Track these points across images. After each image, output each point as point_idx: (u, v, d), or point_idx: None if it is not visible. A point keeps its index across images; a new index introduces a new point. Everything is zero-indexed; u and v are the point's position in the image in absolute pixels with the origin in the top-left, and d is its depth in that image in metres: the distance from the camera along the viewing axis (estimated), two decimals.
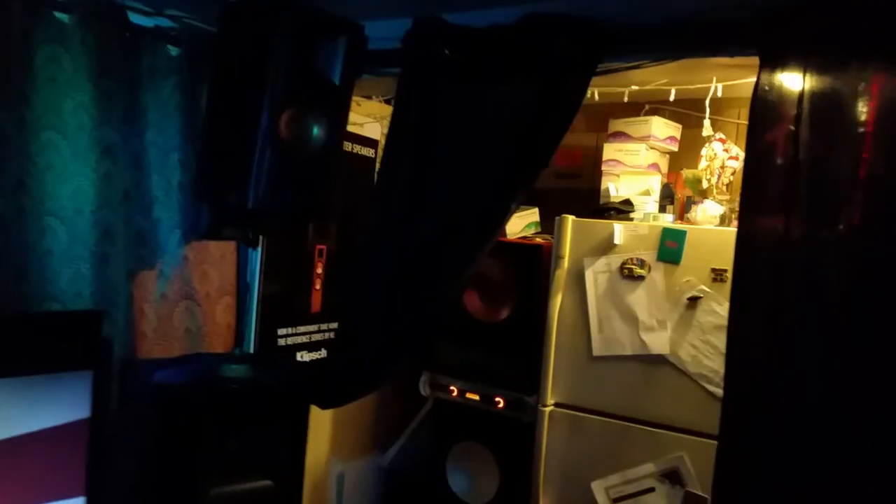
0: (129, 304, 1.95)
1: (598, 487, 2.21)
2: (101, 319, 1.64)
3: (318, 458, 2.79)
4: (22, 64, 1.65)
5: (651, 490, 2.13)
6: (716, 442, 1.92)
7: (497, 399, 2.59)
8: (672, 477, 2.10)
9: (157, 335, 2.05)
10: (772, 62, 1.72)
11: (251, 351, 2.26)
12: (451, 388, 2.70)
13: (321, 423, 2.79)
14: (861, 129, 1.65)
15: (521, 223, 2.71)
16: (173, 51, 2.01)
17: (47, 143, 1.72)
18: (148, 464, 1.79)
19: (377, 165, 2.65)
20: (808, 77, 1.67)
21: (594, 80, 1.91)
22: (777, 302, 1.69)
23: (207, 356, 2.08)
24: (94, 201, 1.84)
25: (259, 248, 2.26)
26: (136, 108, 1.94)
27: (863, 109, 1.66)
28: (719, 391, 2.04)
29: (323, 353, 2.56)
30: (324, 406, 2.06)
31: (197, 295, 2.15)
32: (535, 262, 2.52)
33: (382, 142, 2.68)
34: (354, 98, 2.33)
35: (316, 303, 2.54)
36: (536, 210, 2.75)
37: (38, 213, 1.71)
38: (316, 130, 1.84)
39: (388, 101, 2.76)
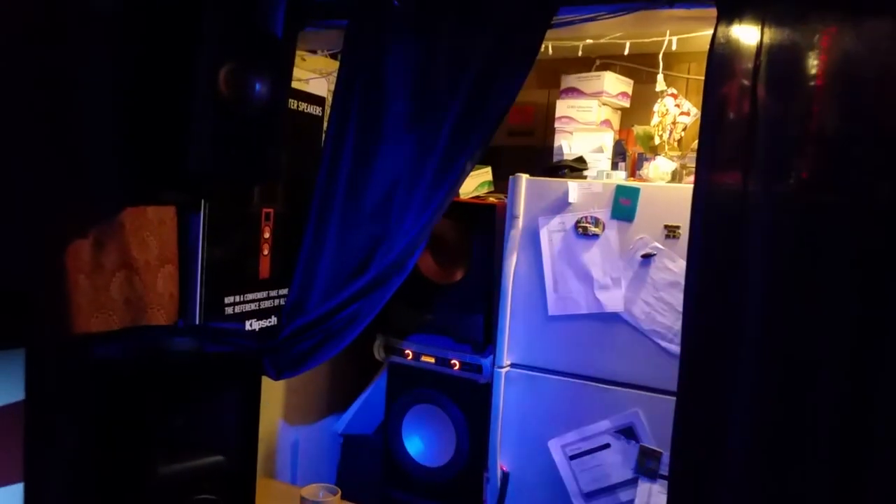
0: (61, 275, 1.83)
1: (554, 445, 2.22)
2: (29, 294, 1.53)
3: (271, 427, 2.74)
4: None
5: (607, 446, 2.15)
6: (670, 397, 1.94)
7: (453, 361, 2.57)
8: (627, 433, 2.12)
9: (93, 307, 1.94)
10: (729, 14, 1.69)
11: (197, 321, 2.17)
12: (406, 351, 2.67)
13: (273, 390, 2.72)
14: (812, 83, 1.64)
15: (473, 182, 2.66)
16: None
17: None
18: (90, 445, 1.70)
19: (324, 124, 2.55)
20: (765, 30, 1.65)
21: (548, 33, 1.85)
22: (732, 257, 1.69)
23: (150, 328, 1.98)
24: None
25: (201, 213, 2.15)
26: None
27: (814, 63, 1.65)
28: (673, 347, 2.06)
29: (273, 320, 2.48)
30: (276, 377, 2.00)
31: (136, 263, 2.04)
32: (488, 221, 2.48)
33: (329, 99, 2.57)
34: (298, 53, 2.22)
35: (264, 268, 2.45)
36: (489, 169, 2.70)
37: None
38: (258, 87, 1.74)
39: (334, 56, 2.64)
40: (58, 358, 1.69)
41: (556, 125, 2.63)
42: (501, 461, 2.30)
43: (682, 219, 1.94)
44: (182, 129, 1.73)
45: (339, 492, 2.21)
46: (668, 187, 2.20)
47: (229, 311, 2.34)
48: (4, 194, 1.66)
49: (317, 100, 2.60)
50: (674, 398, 1.77)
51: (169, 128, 1.72)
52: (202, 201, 2.11)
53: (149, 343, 1.80)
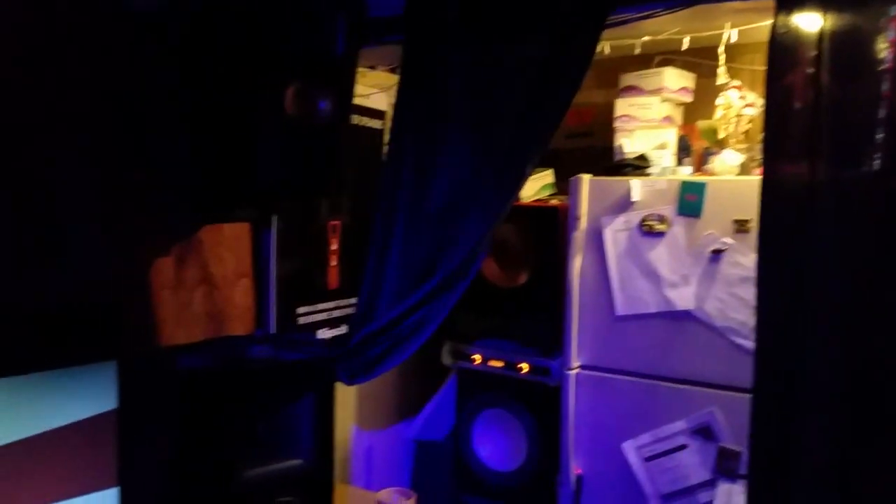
0: (147, 291, 1.94)
1: (629, 447, 2.20)
2: (120, 309, 1.62)
3: (345, 433, 2.80)
4: None
5: (684, 447, 2.11)
6: (747, 395, 1.90)
7: (521, 365, 2.57)
8: (704, 433, 2.09)
9: (177, 321, 2.04)
10: (788, 3, 1.66)
11: (272, 331, 2.25)
12: (474, 356, 2.69)
13: (346, 398, 2.79)
14: (881, 67, 1.60)
15: (535, 186, 2.67)
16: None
17: None
18: (178, 451, 1.78)
19: (385, 137, 2.61)
20: (826, 16, 1.61)
21: (604, 32, 1.85)
22: (804, 249, 1.65)
23: (229, 339, 2.07)
24: None
25: (272, 228, 2.23)
26: None
27: (882, 45, 1.60)
28: (748, 343, 2.01)
29: (344, 328, 2.55)
30: (349, 382, 2.05)
31: (214, 278, 2.14)
32: (551, 224, 2.48)
33: (390, 112, 2.63)
34: (359, 69, 2.28)
35: (333, 279, 2.52)
36: (551, 171, 2.71)
37: None
38: (322, 104, 1.80)
39: (393, 70, 2.70)
40: (147, 368, 1.79)
41: (617, 124, 2.62)
42: (575, 464, 2.30)
43: (752, 212, 1.90)
44: (252, 148, 1.81)
45: (415, 496, 2.25)
46: (736, 181, 2.16)
47: (302, 320, 2.41)
48: (94, 214, 1.77)
49: (377, 114, 2.66)
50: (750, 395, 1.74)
51: (240, 147, 1.80)
52: (272, 216, 2.19)
53: (229, 353, 1.88)
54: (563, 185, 2.47)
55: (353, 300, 2.56)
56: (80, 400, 1.53)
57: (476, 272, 1.95)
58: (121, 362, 1.62)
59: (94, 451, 1.57)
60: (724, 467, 2.04)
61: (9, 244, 1.61)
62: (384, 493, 2.27)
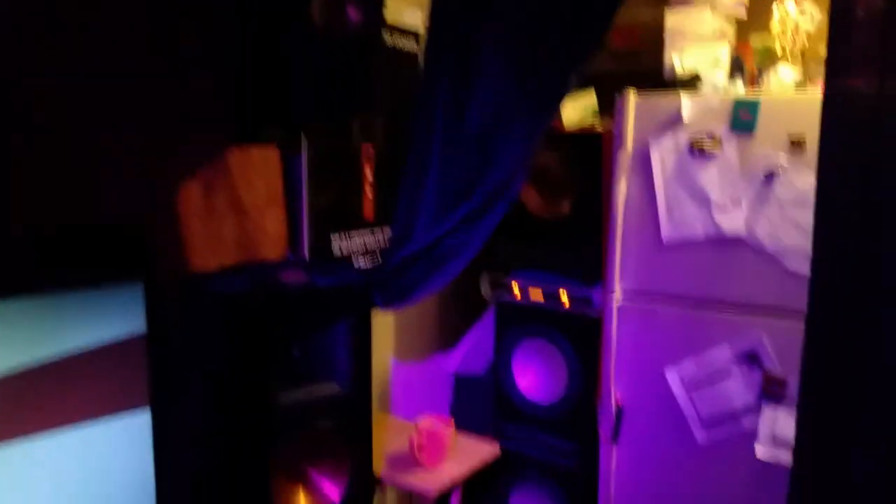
0: (175, 216, 1.90)
1: (672, 375, 2.13)
2: (144, 230, 1.58)
3: (384, 366, 2.79)
4: None
5: (729, 373, 2.04)
6: (795, 320, 1.81)
7: (562, 295, 2.51)
8: (750, 359, 2.01)
9: (208, 249, 2.01)
10: None
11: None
12: (513, 287, 2.63)
13: (383, 330, 2.77)
14: None
15: (577, 110, 2.55)
16: None
17: None
18: (212, 374, 1.77)
19: (420, 56, 2.51)
20: None
21: None
22: (868, 166, 1.53)
23: (262, 264, 2.04)
24: None
25: (303, 152, 2.17)
26: None
27: None
28: (800, 268, 1.92)
29: (380, 260, 2.50)
30: (385, 307, 2.00)
31: (244, 206, 2.09)
32: (594, 151, 2.38)
33: (424, 31, 2.51)
34: None
35: (368, 207, 2.46)
36: (592, 91, 2.57)
37: None
38: (351, 15, 1.71)
39: None
40: (175, 292, 1.76)
41: (666, 41, 2.46)
42: (616, 394, 2.24)
43: (809, 131, 1.78)
44: (281, 65, 1.73)
45: (452, 422, 2.23)
46: (791, 98, 2.03)
47: (336, 250, 2.37)
48: (120, 135, 1.73)
49: (412, 34, 2.55)
50: (800, 320, 1.64)
51: (266, 63, 1.73)
52: (302, 139, 2.12)
53: (262, 277, 1.84)
54: (608, 112, 2.35)
55: (389, 228, 2.51)
56: (108, 322, 1.51)
57: (517, 193, 1.87)
58: (148, 284, 1.59)
59: (125, 372, 1.56)
60: (770, 393, 1.97)
61: (34, 161, 1.58)
62: (423, 420, 2.26)
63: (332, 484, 1.84)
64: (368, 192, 2.39)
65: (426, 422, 2.25)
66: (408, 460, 2.19)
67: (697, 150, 2.05)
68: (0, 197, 1.51)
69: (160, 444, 1.62)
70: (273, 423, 1.69)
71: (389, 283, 1.95)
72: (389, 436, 2.37)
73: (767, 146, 1.96)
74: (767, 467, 1.98)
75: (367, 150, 2.41)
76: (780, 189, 1.94)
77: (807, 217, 1.91)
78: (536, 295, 2.58)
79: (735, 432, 2.04)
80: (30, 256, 1.43)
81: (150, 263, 1.62)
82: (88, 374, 1.48)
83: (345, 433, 1.81)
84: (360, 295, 1.85)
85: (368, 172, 2.42)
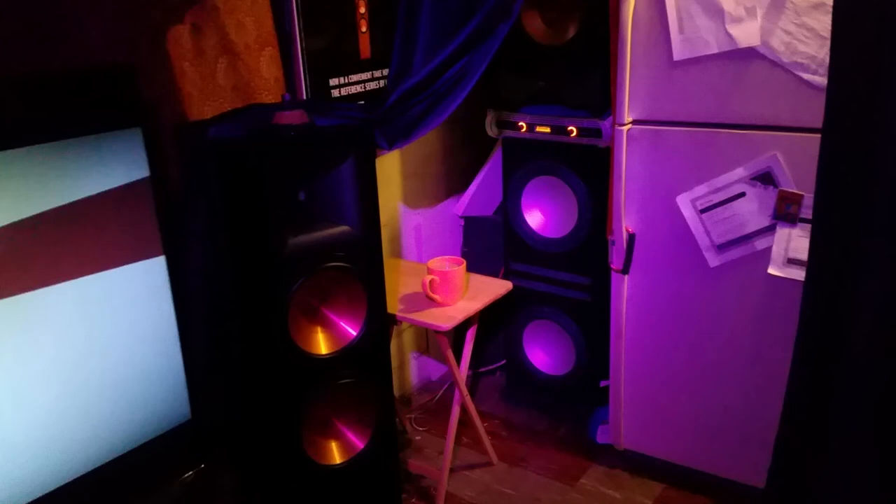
0: (166, 61, 1.83)
1: (683, 200, 2.11)
2: (134, 72, 1.52)
3: (392, 212, 2.78)
4: None
5: (742, 195, 2.01)
6: (812, 136, 1.76)
7: (569, 128, 2.44)
8: (764, 178, 1.97)
9: (204, 96, 1.95)
10: None
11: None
12: (520, 123, 2.56)
13: (390, 176, 2.74)
14: None
15: None
16: None
17: None
18: (220, 221, 1.76)
19: None
20: None
21: None
22: None
23: (258, 106, 1.98)
24: None
25: None
26: None
27: None
28: (817, 79, 1.84)
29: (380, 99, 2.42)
30: (388, 147, 1.97)
31: (236, 47, 2.01)
32: None
33: None
34: None
35: (364, 47, 2.35)
36: None
37: None
38: None
39: None
40: (175, 137, 1.73)
41: None
42: (626, 223, 2.23)
43: None
44: None
45: (464, 262, 2.25)
46: None
47: (335, 93, 2.29)
48: None
49: None
50: (817, 135, 1.60)
51: None
52: None
53: (260, 120, 1.79)
54: None
55: (388, 71, 2.42)
56: (110, 168, 1.49)
57: (516, 14, 1.76)
58: (146, 130, 1.55)
59: (134, 219, 1.56)
60: (785, 212, 1.94)
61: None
62: (435, 261, 2.27)
63: (347, 321, 1.88)
64: (363, 26, 2.27)
65: (438, 261, 2.27)
66: (421, 300, 2.22)
67: None
68: None
69: (177, 287, 1.64)
70: (284, 265, 1.70)
71: (391, 121, 1.91)
72: (402, 278, 2.40)
73: None
74: (779, 285, 2.00)
75: None
76: None
77: (825, 22, 1.80)
78: (543, 130, 2.52)
79: (748, 254, 2.04)
80: (21, 104, 1.38)
81: (146, 107, 1.57)
82: (99, 221, 1.48)
83: (357, 272, 1.82)
84: (361, 133, 1.81)
85: (363, 10, 2.30)
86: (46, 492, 1.46)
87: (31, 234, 1.36)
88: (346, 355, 1.85)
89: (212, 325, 1.82)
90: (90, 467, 1.55)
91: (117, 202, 1.51)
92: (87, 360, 1.51)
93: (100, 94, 1.47)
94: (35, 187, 1.36)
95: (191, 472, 1.75)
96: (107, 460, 1.58)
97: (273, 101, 2.09)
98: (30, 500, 1.44)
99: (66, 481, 1.50)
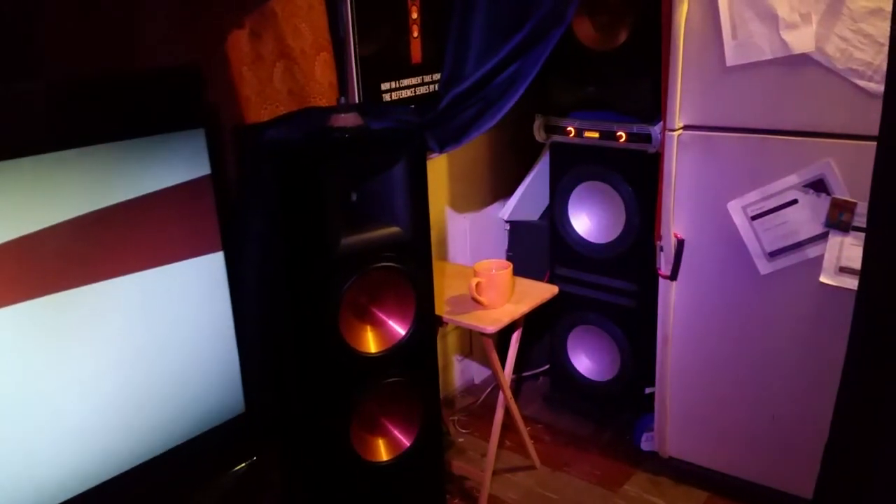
0: (226, 66, 1.89)
1: (734, 207, 2.10)
2: (198, 73, 1.58)
3: (440, 215, 2.82)
4: None
5: (794, 202, 1.99)
6: (866, 143, 1.74)
7: (619, 133, 2.45)
8: (817, 186, 1.95)
9: (261, 99, 2.01)
10: None
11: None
12: (568, 128, 2.57)
13: (438, 179, 2.77)
14: None
15: None
16: None
17: None
18: (275, 221, 1.81)
19: None
20: None
21: None
22: None
23: (313, 109, 2.03)
24: None
25: None
26: None
27: None
28: (873, 86, 1.81)
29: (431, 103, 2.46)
30: (439, 150, 2.00)
31: (293, 52, 2.06)
32: None
33: None
34: None
35: (416, 52, 2.40)
36: None
37: None
38: None
39: None
40: (235, 139, 1.79)
41: None
42: (675, 229, 2.23)
43: None
44: None
45: (511, 265, 2.27)
46: None
47: (387, 97, 2.34)
48: None
49: None
50: (871, 143, 1.57)
51: None
52: None
53: (315, 123, 1.84)
54: None
55: (438, 76, 2.46)
56: (172, 166, 1.55)
57: (569, 20, 1.78)
58: (209, 131, 1.61)
59: (194, 215, 1.61)
60: (838, 220, 1.92)
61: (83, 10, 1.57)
62: (482, 264, 2.30)
63: (396, 320, 1.92)
64: (415, 31, 2.31)
65: (484, 264, 2.29)
66: (467, 302, 2.25)
67: None
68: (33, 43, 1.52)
69: (234, 283, 1.70)
70: (336, 263, 1.74)
71: (442, 124, 1.94)
72: (448, 281, 2.43)
73: None
74: (831, 294, 1.97)
75: None
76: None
77: (882, 28, 1.78)
78: (592, 135, 2.52)
79: (799, 262, 2.02)
80: (95, 104, 1.44)
81: (210, 112, 1.63)
82: (161, 217, 1.54)
83: (406, 272, 1.86)
84: (413, 136, 1.84)
85: (415, 15, 2.34)
86: (111, 476, 1.53)
87: (101, 226, 1.43)
88: (394, 354, 1.89)
89: (266, 321, 1.87)
90: (150, 455, 1.61)
91: (180, 199, 1.57)
92: (149, 351, 1.57)
93: (167, 96, 1.53)
94: (105, 182, 1.43)
95: (243, 464, 1.81)
96: (165, 449, 1.64)
97: (327, 104, 2.14)
98: (95, 484, 1.50)
99: (129, 468, 1.56)
